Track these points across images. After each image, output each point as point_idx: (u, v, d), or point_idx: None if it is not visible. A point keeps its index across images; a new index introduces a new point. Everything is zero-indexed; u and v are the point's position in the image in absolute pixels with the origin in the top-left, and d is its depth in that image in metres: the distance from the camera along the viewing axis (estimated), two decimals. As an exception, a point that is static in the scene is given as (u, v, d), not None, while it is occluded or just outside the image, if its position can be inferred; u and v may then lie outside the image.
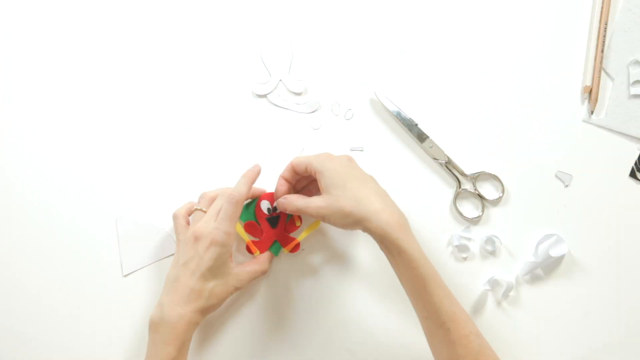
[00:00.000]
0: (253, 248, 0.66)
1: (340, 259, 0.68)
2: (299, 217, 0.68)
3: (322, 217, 0.60)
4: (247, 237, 0.67)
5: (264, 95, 0.72)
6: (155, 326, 0.59)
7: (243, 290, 0.67)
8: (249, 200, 0.67)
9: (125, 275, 0.68)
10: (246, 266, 0.64)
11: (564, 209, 0.68)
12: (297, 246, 0.67)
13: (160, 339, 0.58)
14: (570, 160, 0.69)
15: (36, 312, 0.68)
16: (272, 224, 0.67)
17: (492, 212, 0.69)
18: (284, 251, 0.67)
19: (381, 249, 0.59)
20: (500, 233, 0.68)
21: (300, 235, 0.67)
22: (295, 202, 0.61)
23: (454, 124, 0.70)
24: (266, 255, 0.66)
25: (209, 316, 0.62)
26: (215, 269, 0.60)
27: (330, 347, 0.67)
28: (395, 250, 0.57)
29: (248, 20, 0.73)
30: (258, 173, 0.63)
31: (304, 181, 0.67)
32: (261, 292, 0.68)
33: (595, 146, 0.69)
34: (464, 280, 0.67)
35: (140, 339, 0.67)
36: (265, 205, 0.67)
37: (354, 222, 0.58)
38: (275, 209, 0.66)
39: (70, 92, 0.72)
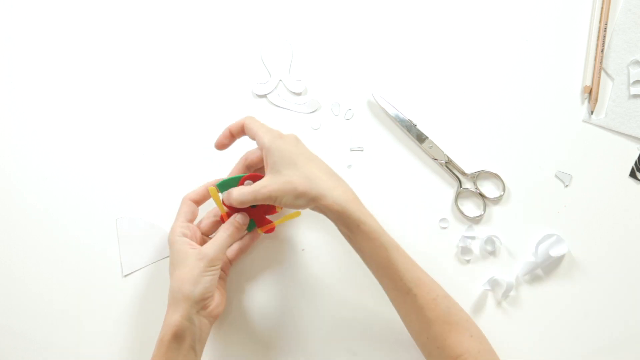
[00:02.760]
0: (226, 218, 0.64)
1: (340, 257, 0.68)
2: None
3: (274, 200, 0.57)
4: (224, 210, 0.64)
5: (264, 95, 0.72)
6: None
7: (243, 290, 0.67)
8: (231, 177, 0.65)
9: (125, 275, 0.68)
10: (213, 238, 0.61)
11: (564, 209, 0.68)
12: (271, 228, 0.66)
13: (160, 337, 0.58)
14: (570, 160, 0.69)
15: (36, 312, 0.68)
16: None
17: (494, 210, 0.69)
18: (258, 231, 0.66)
19: (338, 227, 0.59)
20: (500, 233, 0.68)
21: (278, 220, 0.66)
22: (241, 196, 0.58)
23: (453, 124, 0.70)
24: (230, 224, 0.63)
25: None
26: (179, 260, 0.58)
27: (331, 347, 0.67)
28: (354, 223, 0.57)
29: (248, 20, 0.73)
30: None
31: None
32: (261, 291, 0.68)
33: (595, 146, 0.69)
34: (464, 281, 0.67)
35: (141, 339, 0.67)
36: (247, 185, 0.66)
37: (307, 201, 0.57)
38: None
39: (70, 92, 0.72)
